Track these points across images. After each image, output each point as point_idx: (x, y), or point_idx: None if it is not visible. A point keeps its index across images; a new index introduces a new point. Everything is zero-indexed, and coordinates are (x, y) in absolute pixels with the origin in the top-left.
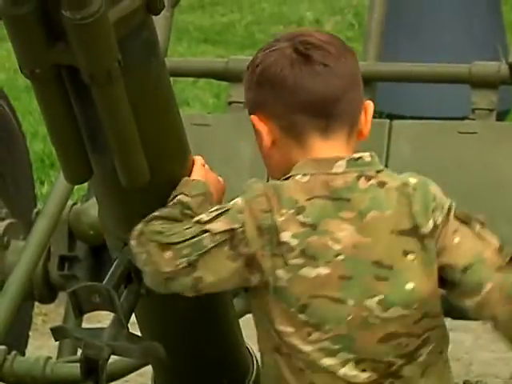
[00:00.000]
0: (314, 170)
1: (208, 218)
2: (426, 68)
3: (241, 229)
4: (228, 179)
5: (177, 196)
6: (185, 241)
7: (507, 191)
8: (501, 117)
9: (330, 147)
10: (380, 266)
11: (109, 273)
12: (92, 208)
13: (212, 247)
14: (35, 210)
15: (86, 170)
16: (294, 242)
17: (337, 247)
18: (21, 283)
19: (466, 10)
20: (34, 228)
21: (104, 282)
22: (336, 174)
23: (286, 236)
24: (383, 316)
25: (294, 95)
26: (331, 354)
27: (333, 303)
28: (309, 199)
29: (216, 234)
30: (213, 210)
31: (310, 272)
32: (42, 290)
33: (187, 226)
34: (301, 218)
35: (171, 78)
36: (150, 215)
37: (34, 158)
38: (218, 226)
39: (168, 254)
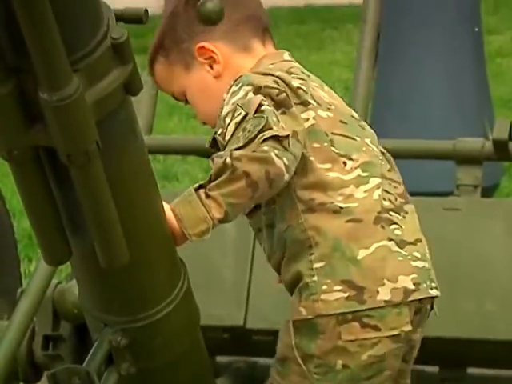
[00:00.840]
0: (273, 61)
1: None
2: (409, 144)
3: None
4: None
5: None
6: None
7: (492, 268)
8: (489, 192)
9: (269, 50)
10: (356, 119)
11: (89, 354)
12: (76, 287)
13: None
14: (20, 289)
15: (66, 251)
16: (304, 87)
17: (326, 100)
18: (5, 363)
19: (453, 85)
20: (17, 307)
21: (84, 363)
22: (290, 60)
23: (296, 83)
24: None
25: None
26: (365, 181)
27: (347, 139)
28: (287, 71)
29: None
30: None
31: (322, 113)
32: (26, 369)
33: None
34: (295, 76)
35: (160, 155)
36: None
37: (22, 235)
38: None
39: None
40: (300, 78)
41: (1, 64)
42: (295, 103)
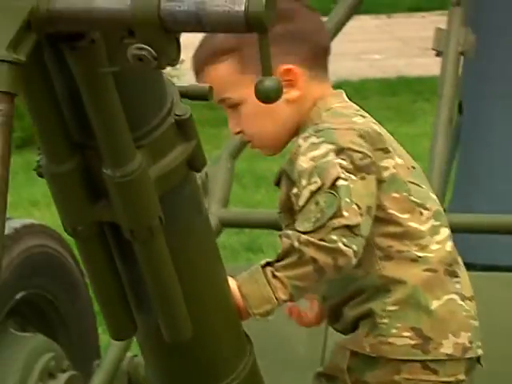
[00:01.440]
0: (338, 99)
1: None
2: (496, 219)
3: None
4: None
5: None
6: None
7: None
8: None
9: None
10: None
11: None
12: None
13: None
14: (96, 362)
15: (131, 326)
16: (382, 132)
17: (394, 145)
18: None
19: None
20: (92, 380)
21: None
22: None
23: (376, 128)
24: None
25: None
26: (436, 231)
27: (417, 186)
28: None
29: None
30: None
31: (398, 160)
32: None
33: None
34: (369, 119)
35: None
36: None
37: None
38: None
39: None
40: (375, 123)
41: (66, 140)
42: (377, 148)
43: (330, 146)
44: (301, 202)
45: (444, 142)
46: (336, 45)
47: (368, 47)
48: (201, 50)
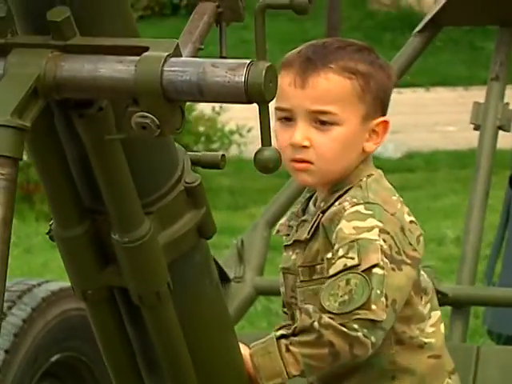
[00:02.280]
0: (378, 179)
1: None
2: None
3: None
4: None
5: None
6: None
7: None
8: None
9: None
10: None
11: None
12: None
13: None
14: None
15: None
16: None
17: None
18: None
19: None
20: None
21: None
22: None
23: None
24: None
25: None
26: (432, 314)
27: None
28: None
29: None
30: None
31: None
32: None
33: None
34: (406, 210)
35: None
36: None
37: None
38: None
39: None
40: (409, 214)
41: (76, 205)
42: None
43: (377, 223)
44: (332, 271)
45: (479, 216)
46: (411, 116)
47: (442, 119)
48: (329, 54)
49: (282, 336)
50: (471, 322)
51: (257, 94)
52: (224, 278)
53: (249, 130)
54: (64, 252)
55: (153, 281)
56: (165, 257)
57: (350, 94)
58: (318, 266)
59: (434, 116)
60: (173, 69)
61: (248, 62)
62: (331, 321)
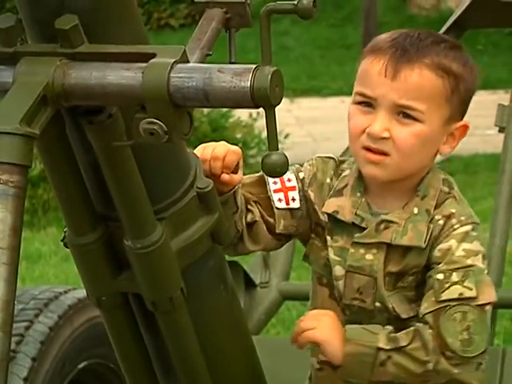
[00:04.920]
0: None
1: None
2: None
3: None
4: None
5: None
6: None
7: None
8: None
9: None
10: None
11: None
12: None
13: None
14: None
15: None
16: None
17: None
18: None
19: None
20: None
21: None
22: None
23: None
24: None
25: None
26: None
27: None
28: None
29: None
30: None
31: None
32: None
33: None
34: None
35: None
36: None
37: None
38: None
39: None
40: None
41: (89, 212)
42: None
43: (481, 248)
44: (445, 296)
45: (505, 219)
46: None
47: (482, 122)
48: (425, 48)
49: (382, 348)
50: (508, 325)
51: (263, 98)
52: (250, 284)
53: (286, 136)
54: (78, 259)
55: (166, 286)
56: (178, 262)
57: (439, 94)
58: (410, 277)
59: (473, 119)
60: (179, 75)
61: (253, 67)
62: (449, 368)
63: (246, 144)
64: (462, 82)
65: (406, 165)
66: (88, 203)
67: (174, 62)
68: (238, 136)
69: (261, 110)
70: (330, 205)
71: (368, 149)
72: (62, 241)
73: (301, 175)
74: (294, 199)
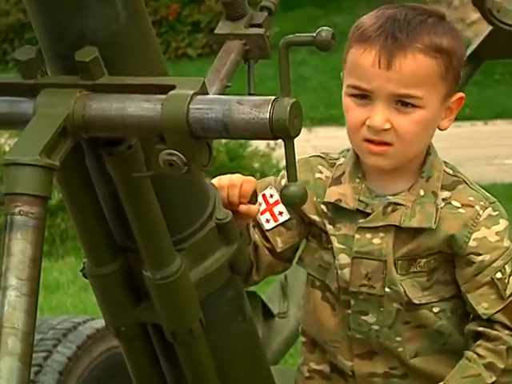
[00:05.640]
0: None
1: None
2: None
3: None
4: None
5: None
6: None
7: None
8: None
9: None
10: None
11: None
12: None
13: None
14: None
15: None
16: None
17: None
18: None
19: None
20: None
21: None
22: None
23: None
24: None
25: None
26: None
27: None
28: None
29: None
30: None
31: None
32: None
33: None
34: None
35: None
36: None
37: None
38: None
39: None
40: None
41: (108, 243)
42: None
43: (505, 221)
44: (508, 291)
45: None
46: (469, 150)
47: (500, 152)
48: (414, 31)
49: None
50: None
51: (282, 130)
52: (268, 314)
53: None
54: (97, 289)
55: (185, 317)
56: (197, 293)
57: (435, 75)
58: (423, 260)
59: (492, 149)
60: (199, 106)
61: (272, 98)
62: None
63: (264, 173)
64: (454, 56)
65: (410, 151)
66: (107, 234)
67: (194, 93)
68: (256, 165)
69: (279, 140)
70: (331, 194)
71: (370, 140)
72: (80, 271)
73: (283, 182)
74: (281, 213)
